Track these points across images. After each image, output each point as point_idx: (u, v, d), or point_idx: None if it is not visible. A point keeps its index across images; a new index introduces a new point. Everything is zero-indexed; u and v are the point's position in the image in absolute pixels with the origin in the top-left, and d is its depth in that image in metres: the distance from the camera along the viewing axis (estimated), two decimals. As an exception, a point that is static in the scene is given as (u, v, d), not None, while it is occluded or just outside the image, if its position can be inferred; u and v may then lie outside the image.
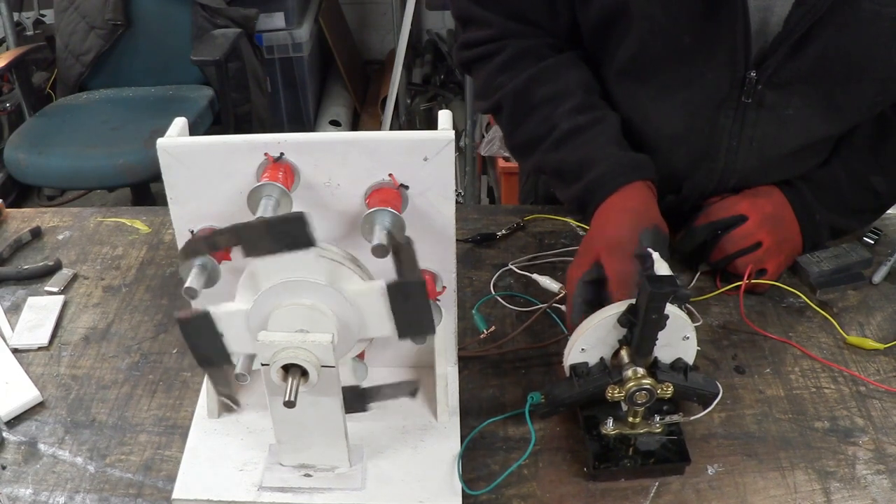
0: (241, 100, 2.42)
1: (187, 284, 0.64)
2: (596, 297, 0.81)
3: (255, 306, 0.65)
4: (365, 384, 0.77)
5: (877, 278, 0.97)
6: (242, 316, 0.65)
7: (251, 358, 0.68)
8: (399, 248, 0.63)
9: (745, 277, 0.92)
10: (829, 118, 0.91)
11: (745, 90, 0.87)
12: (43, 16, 3.09)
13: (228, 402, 0.77)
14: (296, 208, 0.67)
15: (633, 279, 0.77)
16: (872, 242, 1.01)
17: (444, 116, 0.72)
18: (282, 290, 0.64)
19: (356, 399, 0.74)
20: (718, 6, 0.82)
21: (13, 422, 0.82)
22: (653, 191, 0.90)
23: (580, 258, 0.84)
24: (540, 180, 1.22)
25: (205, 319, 0.65)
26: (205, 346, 0.67)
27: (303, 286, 0.64)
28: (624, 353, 0.73)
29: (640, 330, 0.70)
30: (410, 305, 0.65)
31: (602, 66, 0.98)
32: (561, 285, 0.93)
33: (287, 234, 0.61)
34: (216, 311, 0.65)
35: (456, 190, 1.39)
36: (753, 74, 0.85)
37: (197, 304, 0.71)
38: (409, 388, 0.77)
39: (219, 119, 2.40)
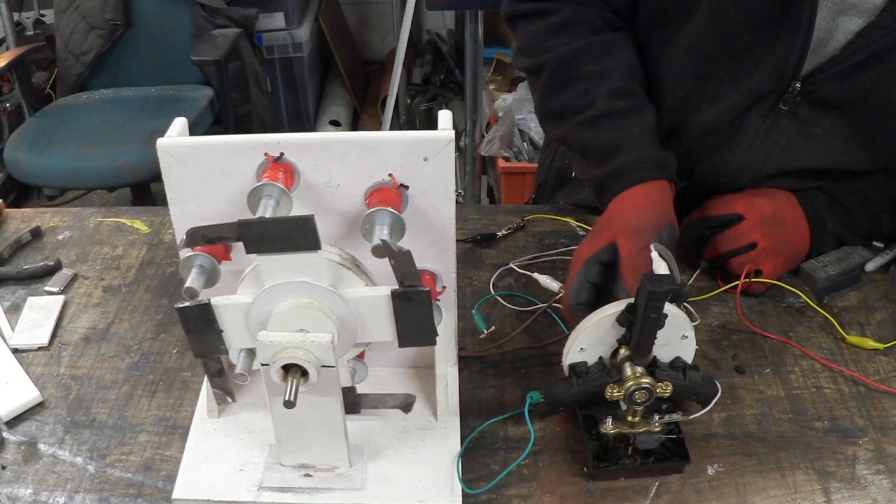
0: (241, 100, 2.42)
1: (187, 284, 0.64)
2: (601, 280, 0.80)
3: (256, 303, 0.65)
4: (363, 388, 0.77)
5: (870, 266, 0.97)
6: (243, 309, 0.65)
7: (251, 357, 0.68)
8: (397, 254, 0.63)
9: (742, 278, 0.92)
10: (852, 150, 0.91)
11: (785, 98, 0.88)
12: (43, 16, 3.09)
13: (223, 394, 0.76)
14: (296, 208, 0.67)
15: (646, 267, 0.76)
16: (882, 246, 0.99)
17: (444, 116, 0.71)
18: (284, 289, 0.64)
19: (349, 401, 0.74)
20: (787, 12, 0.82)
21: (13, 422, 0.82)
22: (672, 191, 0.89)
23: (594, 237, 0.83)
24: (558, 153, 1.21)
25: (205, 309, 0.65)
26: (203, 336, 0.67)
27: (305, 287, 0.64)
28: (623, 353, 0.73)
29: (638, 329, 0.70)
30: (414, 314, 0.65)
31: (649, 51, 0.96)
32: (561, 284, 0.93)
33: (294, 234, 0.61)
34: (218, 301, 0.65)
35: (456, 190, 1.39)
36: (798, 85, 0.86)
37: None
38: (405, 401, 0.77)
39: (219, 119, 2.40)
